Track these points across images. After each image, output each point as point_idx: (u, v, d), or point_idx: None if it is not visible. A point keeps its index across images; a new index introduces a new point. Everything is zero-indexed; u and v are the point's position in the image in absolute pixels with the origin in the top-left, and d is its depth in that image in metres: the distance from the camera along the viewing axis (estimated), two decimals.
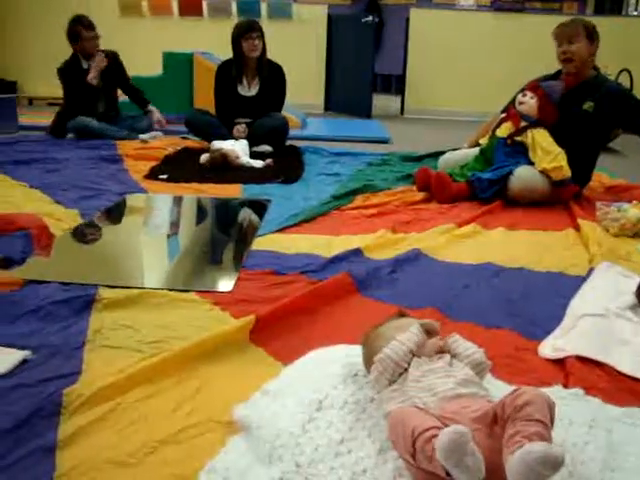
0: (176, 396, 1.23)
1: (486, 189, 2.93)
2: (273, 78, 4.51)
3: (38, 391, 1.22)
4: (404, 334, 1.12)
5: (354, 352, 1.28)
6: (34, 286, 1.78)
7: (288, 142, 4.58)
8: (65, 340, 1.46)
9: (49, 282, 1.80)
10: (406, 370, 1.08)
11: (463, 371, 1.05)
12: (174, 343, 1.42)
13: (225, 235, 2.58)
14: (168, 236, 2.55)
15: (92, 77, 4.79)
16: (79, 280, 1.83)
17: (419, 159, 4.13)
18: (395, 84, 9.05)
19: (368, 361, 1.18)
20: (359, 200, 2.98)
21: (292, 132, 4.75)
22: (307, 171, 3.75)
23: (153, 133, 4.96)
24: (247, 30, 4.31)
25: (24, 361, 1.35)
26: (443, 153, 3.69)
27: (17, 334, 1.48)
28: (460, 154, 3.41)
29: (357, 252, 2.12)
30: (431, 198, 3.01)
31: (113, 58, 4.98)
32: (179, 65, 6.15)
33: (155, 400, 1.21)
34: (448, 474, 0.84)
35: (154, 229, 2.66)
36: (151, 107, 5.12)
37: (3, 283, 1.77)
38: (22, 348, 1.39)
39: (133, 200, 2.99)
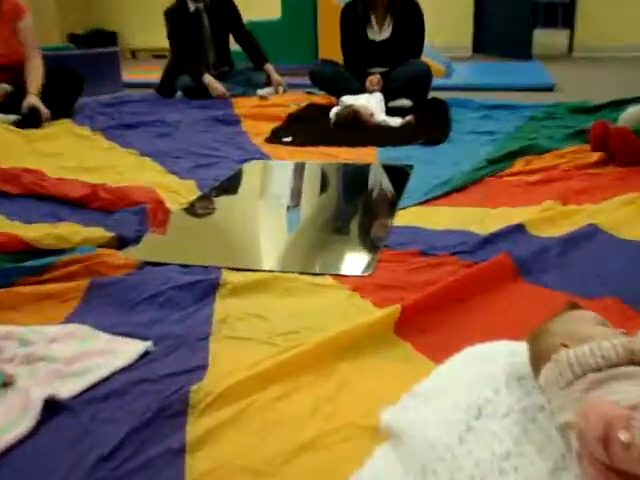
0: (314, 396, 1.26)
1: None
2: (407, 16, 4.47)
3: (163, 387, 1.29)
4: (601, 343, 1.05)
5: (518, 350, 1.26)
6: (151, 268, 1.89)
7: (430, 94, 4.55)
8: (188, 330, 1.54)
9: (167, 264, 1.91)
10: (585, 375, 1.03)
11: None
12: (309, 335, 1.46)
13: (361, 208, 2.62)
14: (296, 210, 2.63)
15: None
16: (200, 262, 1.93)
17: (594, 110, 3.98)
18: (562, 15, 8.64)
19: (536, 361, 1.16)
20: (519, 164, 2.93)
21: (435, 82, 4.73)
22: (455, 129, 3.73)
23: (272, 88, 5.05)
24: None
25: (146, 353, 1.43)
26: (626, 102, 3.52)
27: (136, 323, 1.58)
28: None
29: (519, 228, 2.09)
30: (610, 160, 2.90)
31: (224, 0, 5.12)
32: (301, 5, 6.18)
33: (290, 400, 1.25)
34: None
35: (280, 202, 2.74)
36: (269, 66, 5.16)
37: (118, 266, 1.89)
38: (143, 338, 1.48)
39: (254, 168, 3.11)
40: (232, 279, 1.79)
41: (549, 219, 2.18)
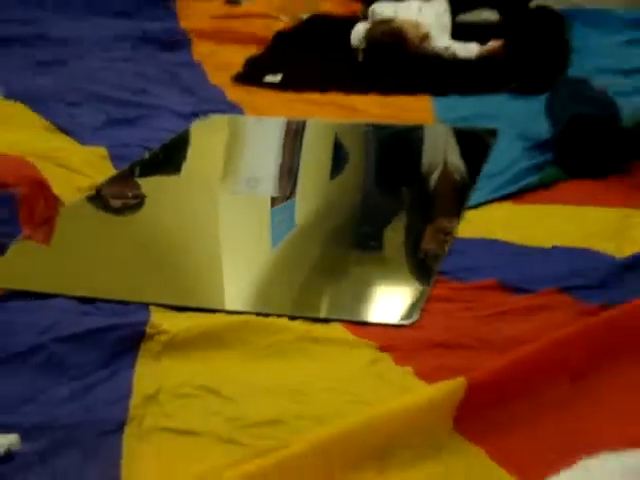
0: None
1: None
2: None
3: None
4: None
5: None
6: (23, 304, 1.92)
7: (535, 1, 4.57)
8: (85, 415, 1.54)
9: (53, 296, 1.93)
10: None
11: None
12: (303, 429, 1.48)
13: (402, 206, 2.67)
14: (284, 206, 2.65)
15: None
16: (112, 294, 1.96)
17: None
18: None
19: None
20: None
21: None
22: (575, 65, 3.70)
23: None
24: None
25: (8, 454, 1.43)
26: None
27: None
28: None
29: None
30: None
31: None
32: None
33: None
34: None
35: (259, 191, 2.77)
36: None
37: None
38: (4, 428, 1.47)
39: (213, 128, 3.15)
40: (167, 325, 1.81)
41: None
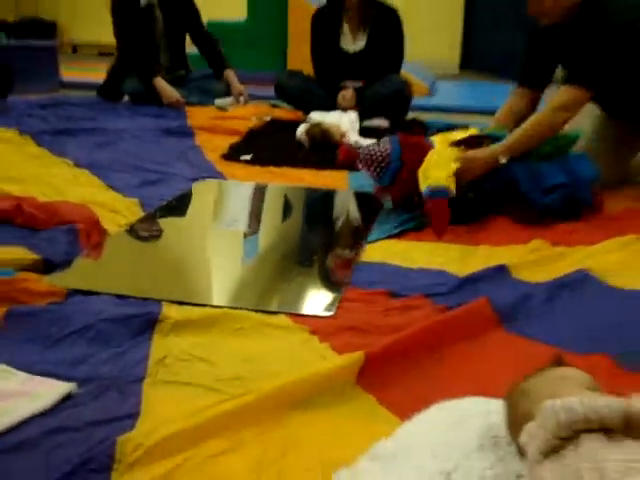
0: (259, 453, 1.25)
1: None
2: (384, 26, 4.50)
3: (85, 437, 1.26)
4: (586, 395, 1.02)
5: (494, 408, 1.25)
6: (80, 298, 1.89)
7: (410, 114, 4.58)
8: (119, 371, 1.53)
9: (99, 293, 1.92)
10: (573, 440, 0.97)
11: None
12: (259, 382, 1.47)
13: (325, 240, 2.67)
14: (252, 238, 2.69)
15: None
16: (138, 292, 1.94)
17: None
18: None
19: (513, 423, 1.14)
20: None
21: (416, 101, 4.81)
22: None
23: (232, 98, 5.06)
24: None
25: (68, 396, 1.41)
26: None
27: (59, 361, 1.56)
28: None
29: (501, 270, 2.11)
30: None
31: None
32: (269, 6, 6.19)
33: (232, 457, 1.23)
34: None
35: (234, 228, 2.79)
36: (230, 73, 5.16)
37: (42, 293, 1.87)
38: (66, 379, 1.46)
39: (206, 188, 3.17)
40: (174, 314, 1.79)
41: (536, 261, 2.20)
